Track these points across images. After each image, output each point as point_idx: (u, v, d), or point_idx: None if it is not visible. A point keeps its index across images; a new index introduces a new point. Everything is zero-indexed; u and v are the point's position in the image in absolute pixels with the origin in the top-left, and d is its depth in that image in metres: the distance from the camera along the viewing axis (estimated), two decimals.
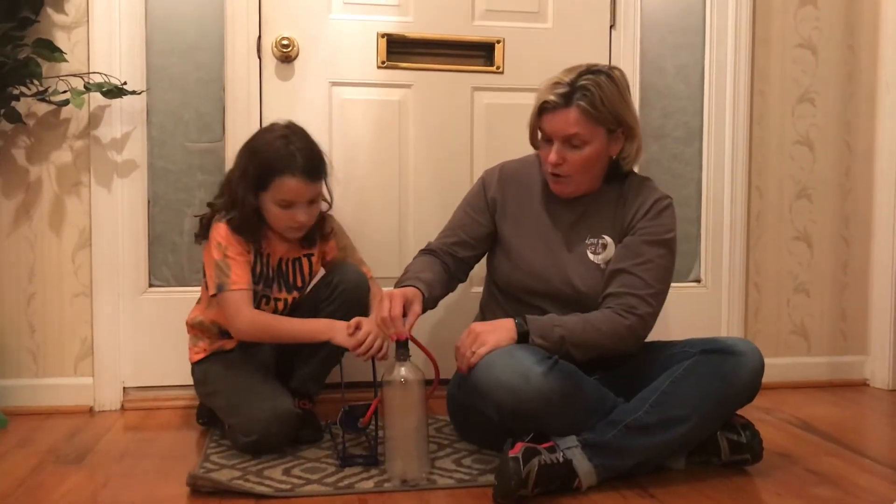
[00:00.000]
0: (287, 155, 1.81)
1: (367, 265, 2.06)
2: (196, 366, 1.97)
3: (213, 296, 1.86)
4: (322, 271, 2.05)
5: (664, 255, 1.76)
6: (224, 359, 1.95)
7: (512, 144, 2.25)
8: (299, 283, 1.99)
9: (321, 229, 1.99)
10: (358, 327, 1.78)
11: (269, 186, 1.82)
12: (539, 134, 1.79)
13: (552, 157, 1.74)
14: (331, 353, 1.90)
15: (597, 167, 1.78)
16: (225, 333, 1.95)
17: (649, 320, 1.73)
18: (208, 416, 2.01)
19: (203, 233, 1.93)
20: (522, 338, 1.65)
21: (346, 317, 1.85)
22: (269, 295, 1.94)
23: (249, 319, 1.84)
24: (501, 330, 1.66)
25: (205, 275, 1.93)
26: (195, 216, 1.96)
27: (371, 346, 1.77)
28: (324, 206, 1.96)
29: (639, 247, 1.76)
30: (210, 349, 1.96)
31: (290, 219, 1.86)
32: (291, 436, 1.83)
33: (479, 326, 1.67)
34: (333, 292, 1.93)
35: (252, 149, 1.86)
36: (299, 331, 1.86)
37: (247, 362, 1.93)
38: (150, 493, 1.58)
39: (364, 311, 1.91)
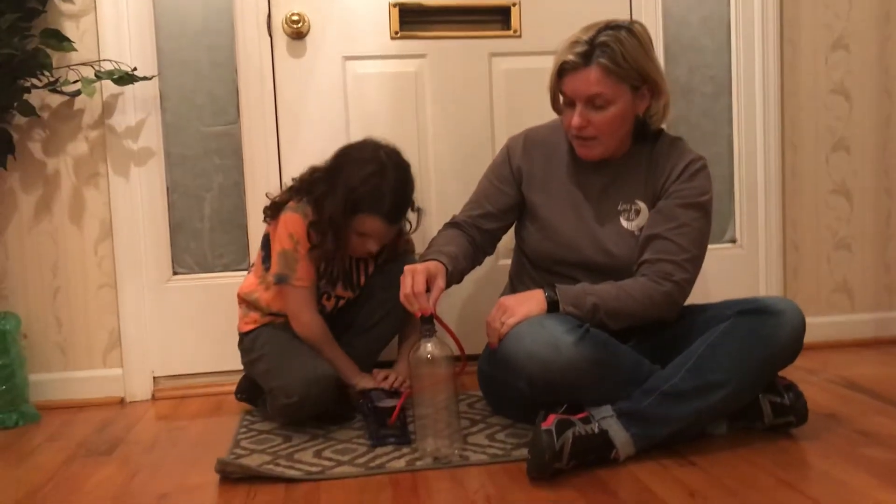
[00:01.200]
0: (378, 196, 1.81)
1: None
2: (245, 335, 1.96)
3: (275, 283, 1.87)
4: None
5: (699, 219, 1.69)
6: (271, 327, 1.94)
7: (533, 110, 2.18)
8: (361, 283, 2.00)
9: (393, 249, 2.00)
10: (385, 377, 1.94)
11: (353, 217, 1.82)
12: (561, 98, 1.72)
13: (575, 120, 1.67)
14: (377, 338, 1.99)
15: (623, 127, 1.71)
16: (274, 314, 1.94)
17: (686, 287, 1.67)
18: (247, 392, 2.01)
19: (273, 213, 1.90)
20: (553, 307, 1.60)
21: (397, 304, 1.83)
22: (331, 292, 1.95)
23: (309, 326, 1.88)
24: (531, 301, 1.61)
25: (264, 250, 1.92)
26: (269, 198, 1.93)
27: (393, 381, 1.93)
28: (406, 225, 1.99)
29: (672, 210, 1.69)
30: (262, 322, 1.95)
31: (362, 247, 1.88)
32: (328, 401, 1.81)
33: (508, 300, 1.62)
34: (391, 280, 1.84)
35: (349, 173, 1.82)
36: (336, 363, 1.89)
37: (294, 333, 1.92)
38: (180, 481, 1.57)
39: (413, 318, 1.92)
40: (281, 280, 1.86)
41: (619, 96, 1.65)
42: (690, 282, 1.68)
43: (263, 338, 1.92)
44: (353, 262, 1.97)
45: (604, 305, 1.61)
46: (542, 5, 2.31)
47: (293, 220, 1.85)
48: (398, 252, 2.01)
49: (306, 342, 1.89)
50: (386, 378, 1.93)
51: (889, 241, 2.52)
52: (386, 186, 1.81)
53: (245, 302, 1.98)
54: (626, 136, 1.74)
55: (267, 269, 1.91)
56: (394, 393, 1.87)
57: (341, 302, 1.99)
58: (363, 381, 1.91)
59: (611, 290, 1.63)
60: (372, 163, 1.83)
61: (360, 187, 1.80)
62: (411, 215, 1.95)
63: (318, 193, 1.84)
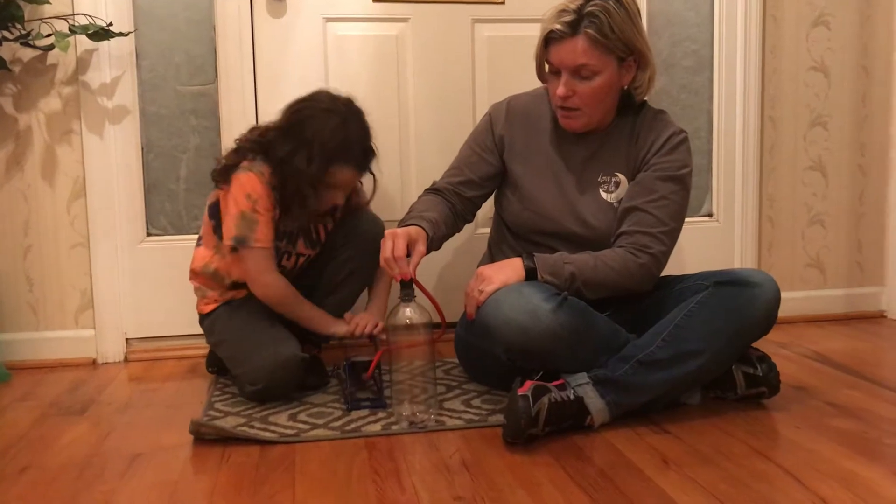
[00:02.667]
0: (347, 146, 1.79)
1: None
2: (205, 317, 1.93)
3: (232, 249, 1.81)
4: None
5: (678, 192, 1.69)
6: (230, 305, 1.90)
7: (516, 79, 2.17)
8: (322, 238, 1.97)
9: (348, 202, 1.96)
10: (357, 322, 1.90)
11: (326, 170, 1.78)
12: (546, 66, 1.71)
13: (560, 90, 1.66)
14: (336, 303, 1.94)
15: (608, 99, 1.70)
16: (236, 285, 1.90)
17: (662, 259, 1.68)
18: (218, 364, 1.97)
19: (224, 177, 1.83)
20: (531, 275, 1.60)
21: (360, 265, 1.90)
22: (291, 251, 1.92)
23: (271, 286, 1.83)
24: (508, 268, 1.61)
25: (212, 217, 1.87)
26: (218, 160, 1.88)
27: (364, 326, 1.88)
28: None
29: (652, 183, 1.69)
30: (221, 300, 1.90)
31: (330, 200, 1.85)
32: (298, 381, 1.79)
33: (486, 269, 1.62)
34: (350, 237, 1.94)
35: (312, 130, 1.77)
36: (308, 318, 1.88)
37: (253, 308, 1.88)
38: (154, 441, 1.56)
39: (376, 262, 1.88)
40: (240, 242, 1.79)
41: (606, 67, 1.64)
42: (666, 254, 1.69)
43: (222, 321, 1.88)
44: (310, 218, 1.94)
45: (581, 275, 1.61)
46: None
47: (250, 180, 1.79)
48: (352, 205, 1.98)
49: (270, 304, 1.84)
50: (357, 324, 1.89)
51: (862, 218, 2.55)
52: (353, 135, 1.80)
53: (201, 278, 1.91)
54: (610, 108, 1.73)
55: (220, 237, 1.85)
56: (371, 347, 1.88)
57: (301, 260, 1.94)
58: (338, 328, 1.89)
59: (588, 260, 1.64)
60: (334, 114, 1.79)
61: (330, 139, 1.77)
62: (375, 164, 1.91)
63: (284, 152, 1.78)
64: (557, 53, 1.64)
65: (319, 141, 1.76)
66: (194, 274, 1.93)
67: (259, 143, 1.83)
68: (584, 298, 1.61)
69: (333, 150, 1.77)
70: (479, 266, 1.70)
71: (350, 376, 1.75)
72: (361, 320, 1.89)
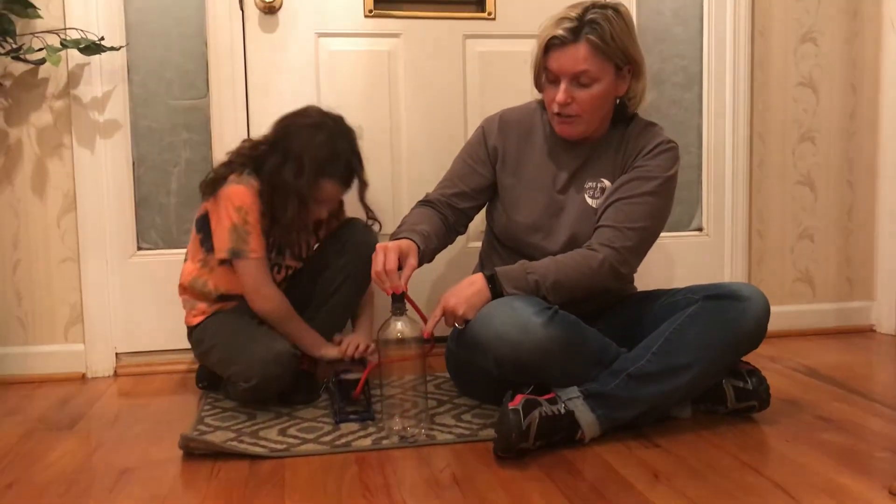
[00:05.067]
0: (333, 160, 1.82)
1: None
2: (194, 329, 1.92)
3: (224, 261, 1.82)
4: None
5: (655, 193, 1.69)
6: (219, 315, 1.90)
7: (507, 93, 2.19)
8: (304, 255, 1.98)
9: (336, 216, 1.99)
10: (348, 344, 1.90)
11: (315, 184, 1.81)
12: (544, 75, 1.72)
13: (560, 96, 1.66)
14: (331, 315, 1.94)
15: (605, 106, 1.71)
16: (224, 298, 1.90)
17: (626, 254, 1.66)
18: (208, 379, 1.97)
19: (212, 189, 1.84)
20: (496, 294, 1.60)
21: (355, 272, 1.90)
22: (281, 263, 1.92)
23: (271, 299, 1.84)
24: (472, 294, 1.60)
25: (202, 232, 1.87)
26: (209, 174, 1.88)
27: (356, 347, 1.89)
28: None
29: (629, 182, 1.70)
30: (209, 311, 1.90)
31: (315, 214, 1.88)
32: (290, 378, 1.78)
33: (449, 299, 1.60)
34: (342, 249, 1.94)
35: (300, 144, 1.81)
36: (300, 336, 1.87)
37: (243, 315, 1.88)
38: (143, 456, 1.55)
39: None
40: (236, 255, 1.79)
41: (605, 75, 1.66)
42: (633, 251, 1.67)
43: (213, 327, 1.87)
44: (297, 232, 1.93)
45: (544, 281, 1.61)
46: None
47: (239, 192, 1.80)
48: (339, 218, 2.00)
49: (268, 320, 1.84)
50: (348, 346, 1.89)
51: (851, 233, 2.57)
52: (340, 150, 1.83)
53: (189, 292, 1.92)
54: (606, 117, 1.75)
55: (208, 249, 1.86)
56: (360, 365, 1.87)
57: (288, 271, 1.95)
58: (329, 352, 1.89)
59: (549, 264, 1.64)
60: (322, 129, 1.83)
61: (318, 153, 1.80)
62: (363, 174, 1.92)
63: (272, 165, 1.81)
64: (558, 60, 1.66)
65: (308, 155, 1.79)
66: (182, 289, 1.93)
67: (249, 157, 1.85)
68: (570, 309, 1.61)
69: (321, 164, 1.80)
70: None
71: (339, 393, 1.75)
72: (352, 342, 1.90)
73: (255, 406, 1.81)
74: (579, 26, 1.62)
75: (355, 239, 1.95)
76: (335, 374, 1.79)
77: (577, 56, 1.63)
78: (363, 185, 1.91)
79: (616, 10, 1.65)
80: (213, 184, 1.84)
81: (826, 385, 1.95)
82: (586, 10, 1.63)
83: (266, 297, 1.84)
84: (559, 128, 1.73)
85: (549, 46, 1.66)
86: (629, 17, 1.68)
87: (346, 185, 1.88)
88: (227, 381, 1.83)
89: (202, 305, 1.90)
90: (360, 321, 2.01)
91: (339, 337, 1.93)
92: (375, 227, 2.01)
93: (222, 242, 1.81)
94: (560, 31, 1.63)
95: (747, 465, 1.44)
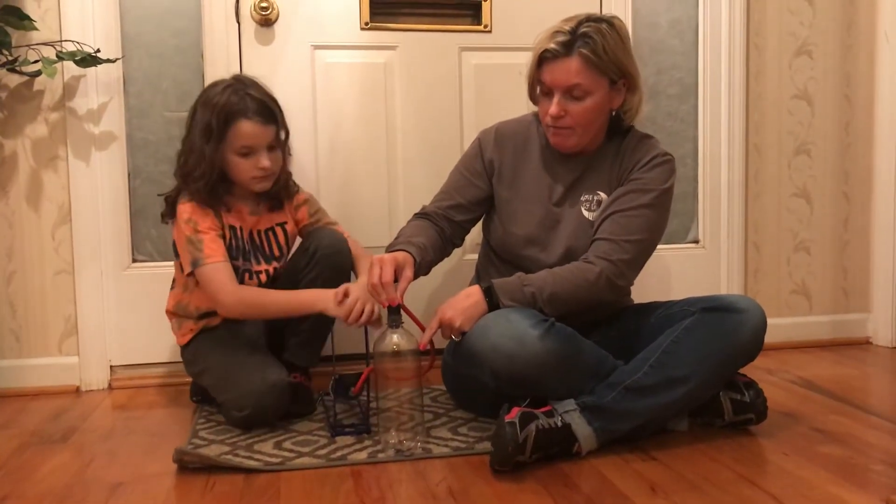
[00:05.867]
0: (239, 100, 1.78)
1: (341, 226, 2.00)
2: (185, 348, 1.92)
3: (190, 274, 1.80)
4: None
5: (651, 206, 1.69)
6: (211, 336, 1.89)
7: (503, 106, 2.20)
8: (277, 253, 1.94)
9: (286, 186, 1.94)
10: (346, 294, 1.70)
11: (226, 136, 1.78)
12: (538, 87, 1.72)
13: (553, 109, 1.67)
14: (320, 320, 1.82)
15: (599, 120, 1.71)
16: (206, 315, 1.89)
17: (623, 267, 1.65)
18: (202, 394, 1.96)
19: (170, 212, 1.86)
20: (493, 306, 1.60)
21: (328, 282, 1.80)
22: (251, 269, 1.88)
23: (235, 295, 1.78)
24: (469, 306, 1.60)
25: (178, 256, 1.87)
26: (160, 195, 1.89)
27: (361, 313, 1.70)
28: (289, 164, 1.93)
29: (625, 195, 1.70)
30: (196, 328, 1.90)
31: (254, 166, 1.81)
32: (285, 407, 1.77)
33: (446, 311, 1.60)
34: (312, 259, 1.86)
35: (203, 103, 1.81)
36: (286, 303, 1.79)
37: (234, 337, 1.88)
38: (137, 470, 1.53)
39: (346, 274, 1.87)
40: (195, 265, 1.77)
41: (598, 88, 1.66)
42: (629, 263, 1.67)
43: (204, 349, 1.87)
44: (262, 233, 1.92)
45: (541, 293, 1.61)
46: (512, 1, 2.31)
47: (185, 207, 1.80)
48: (290, 191, 1.95)
49: (246, 317, 1.82)
50: (353, 308, 1.70)
51: (847, 245, 2.57)
52: (245, 90, 1.79)
53: (175, 315, 1.93)
54: (600, 130, 1.75)
55: (184, 272, 1.85)
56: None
57: (263, 277, 1.89)
58: (330, 307, 1.72)
59: (546, 277, 1.63)
60: (221, 82, 1.82)
61: (219, 101, 1.77)
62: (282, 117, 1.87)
63: (186, 148, 1.81)
64: (551, 73, 1.66)
65: (210, 111, 1.77)
66: (169, 313, 1.95)
67: (178, 163, 1.86)
68: (568, 322, 1.60)
69: (225, 110, 1.77)
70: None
71: (337, 390, 1.73)
72: (357, 303, 1.70)
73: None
74: (572, 40, 1.63)
75: (324, 244, 1.87)
76: (333, 377, 1.77)
77: (570, 69, 1.63)
78: (284, 132, 1.86)
79: (610, 23, 1.65)
80: (169, 206, 1.86)
81: (823, 397, 1.95)
82: (580, 23, 1.64)
83: (231, 296, 1.77)
84: (553, 140, 1.74)
85: (543, 59, 1.67)
86: (624, 31, 1.68)
87: (265, 118, 1.80)
88: (220, 406, 1.82)
89: (188, 324, 1.91)
90: (362, 274, 1.87)
91: (342, 290, 1.72)
92: (296, 188, 1.97)
93: (184, 260, 1.81)
94: (552, 45, 1.63)
95: (744, 477, 1.43)
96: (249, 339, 1.90)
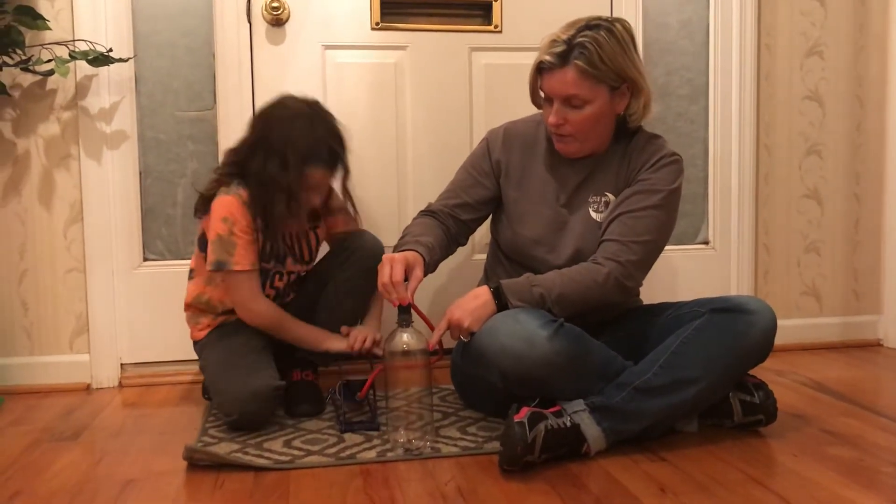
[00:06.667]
0: (316, 145, 1.78)
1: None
2: (197, 343, 1.93)
3: (213, 271, 1.81)
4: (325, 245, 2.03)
5: (659, 207, 1.68)
6: (220, 331, 1.90)
7: (512, 106, 2.19)
8: (307, 257, 1.97)
9: (327, 205, 1.95)
10: (348, 333, 1.87)
11: (301, 173, 1.78)
12: (541, 93, 1.73)
13: (552, 118, 1.67)
14: (345, 312, 1.91)
15: (600, 126, 1.71)
16: (226, 312, 1.90)
17: (631, 268, 1.65)
18: None
19: (204, 208, 1.85)
20: (501, 306, 1.60)
21: (358, 287, 1.88)
22: (282, 270, 1.91)
23: (259, 314, 1.84)
24: (478, 307, 1.60)
25: (203, 248, 1.87)
26: (198, 191, 1.88)
27: (364, 341, 1.86)
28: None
29: (633, 196, 1.70)
30: (214, 324, 1.91)
31: (307, 204, 1.84)
32: (271, 412, 1.78)
33: (455, 312, 1.61)
34: (349, 259, 1.92)
35: (280, 135, 1.77)
36: (302, 338, 1.87)
37: (241, 332, 1.87)
38: (146, 467, 1.54)
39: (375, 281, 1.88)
40: (219, 266, 1.78)
41: (596, 97, 1.65)
42: (638, 265, 1.67)
43: (209, 348, 1.88)
44: (296, 236, 1.93)
45: (549, 294, 1.61)
46: (523, 2, 2.31)
47: (225, 203, 1.79)
48: (330, 208, 1.97)
49: (262, 329, 1.84)
50: (355, 339, 1.86)
51: (857, 246, 2.56)
52: (321, 135, 1.79)
53: (193, 308, 1.93)
54: (604, 135, 1.74)
55: (208, 266, 1.85)
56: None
57: (293, 277, 1.93)
58: (334, 343, 1.87)
59: (555, 278, 1.64)
60: (300, 117, 1.79)
61: (300, 142, 1.76)
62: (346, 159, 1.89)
63: (256, 164, 1.78)
64: (549, 83, 1.66)
65: (290, 145, 1.76)
66: (188, 306, 1.95)
67: (234, 164, 1.84)
68: (577, 323, 1.60)
69: (305, 152, 1.76)
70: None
71: (344, 395, 1.75)
72: (360, 334, 1.87)
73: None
74: (567, 50, 1.62)
75: (362, 248, 1.94)
76: (341, 380, 1.79)
77: (566, 81, 1.63)
78: (346, 171, 1.87)
79: (609, 29, 1.63)
80: (204, 201, 1.85)
81: (833, 399, 1.94)
82: (578, 31, 1.62)
83: (252, 311, 1.83)
84: (557, 146, 1.74)
85: (540, 69, 1.67)
86: (625, 36, 1.66)
87: (332, 168, 1.83)
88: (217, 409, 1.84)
89: (206, 320, 1.92)
90: (370, 315, 1.97)
91: (347, 329, 1.89)
92: (357, 220, 2.00)
93: (210, 255, 1.81)
94: (548, 56, 1.63)
95: (754, 479, 1.43)
96: (256, 335, 1.88)
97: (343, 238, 1.99)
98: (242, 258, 1.79)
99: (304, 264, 1.97)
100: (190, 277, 1.95)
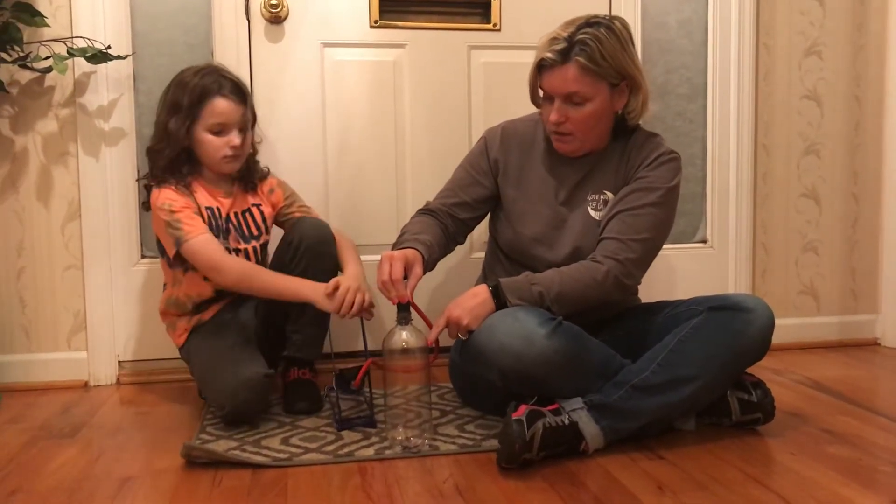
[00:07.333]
0: (213, 80, 1.84)
1: (315, 211, 2.04)
2: (182, 349, 1.94)
3: (176, 255, 1.81)
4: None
5: (658, 204, 1.69)
6: (201, 332, 1.90)
7: (511, 104, 2.19)
8: (255, 232, 1.94)
9: (254, 168, 1.97)
10: (336, 288, 1.73)
11: (200, 113, 1.83)
12: (540, 92, 1.73)
13: (553, 116, 1.67)
14: (318, 314, 1.83)
15: (600, 124, 1.71)
16: (199, 306, 1.90)
17: (630, 267, 1.65)
18: None
19: (146, 207, 1.90)
20: (500, 305, 1.60)
21: (316, 274, 1.81)
22: (228, 246, 1.88)
23: (233, 265, 1.81)
24: (476, 305, 1.60)
25: (162, 253, 1.89)
26: (137, 180, 1.95)
27: (352, 304, 1.72)
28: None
29: (631, 194, 1.70)
30: (190, 326, 1.91)
31: (226, 144, 1.84)
32: (263, 402, 1.78)
33: (454, 310, 1.60)
34: (297, 252, 1.86)
35: (177, 84, 1.86)
36: (276, 285, 1.81)
37: (222, 330, 1.87)
38: (145, 465, 1.54)
39: (333, 263, 1.87)
40: (178, 244, 1.79)
41: (597, 94, 1.66)
42: (636, 262, 1.67)
43: (192, 349, 1.88)
44: (238, 214, 1.92)
45: (548, 292, 1.61)
46: (521, 0, 2.31)
47: (157, 196, 1.83)
48: (262, 173, 1.98)
49: (240, 288, 1.82)
50: (343, 300, 1.73)
51: (855, 245, 2.56)
52: (218, 72, 1.86)
53: (167, 314, 1.95)
54: (604, 133, 1.74)
55: (170, 264, 1.88)
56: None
57: (239, 255, 1.89)
58: (320, 301, 1.74)
59: (554, 276, 1.63)
60: (195, 67, 1.88)
61: (195, 80, 1.83)
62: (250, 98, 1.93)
63: (160, 126, 1.86)
64: (549, 81, 1.66)
65: (182, 92, 1.83)
66: (162, 314, 1.96)
67: (152, 154, 1.89)
68: (577, 321, 1.60)
69: (200, 88, 1.82)
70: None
71: (338, 386, 1.74)
72: (347, 295, 1.72)
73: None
74: (568, 48, 1.62)
75: (307, 236, 1.87)
76: (335, 372, 1.78)
77: (567, 77, 1.63)
78: (253, 114, 1.92)
79: (609, 26, 1.64)
80: (146, 202, 1.89)
81: (831, 398, 1.94)
82: (578, 28, 1.63)
83: (223, 270, 1.79)
84: (556, 144, 1.74)
85: (541, 67, 1.67)
86: (624, 33, 1.66)
87: (238, 97, 1.85)
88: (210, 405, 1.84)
89: (182, 323, 1.92)
90: (346, 263, 1.88)
91: (333, 284, 1.74)
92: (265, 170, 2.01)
93: (167, 244, 1.83)
94: (549, 54, 1.63)
95: (752, 477, 1.43)
96: (239, 329, 1.88)
97: (286, 232, 1.95)
98: (191, 227, 1.80)
99: (254, 240, 1.93)
100: (164, 289, 1.97)
